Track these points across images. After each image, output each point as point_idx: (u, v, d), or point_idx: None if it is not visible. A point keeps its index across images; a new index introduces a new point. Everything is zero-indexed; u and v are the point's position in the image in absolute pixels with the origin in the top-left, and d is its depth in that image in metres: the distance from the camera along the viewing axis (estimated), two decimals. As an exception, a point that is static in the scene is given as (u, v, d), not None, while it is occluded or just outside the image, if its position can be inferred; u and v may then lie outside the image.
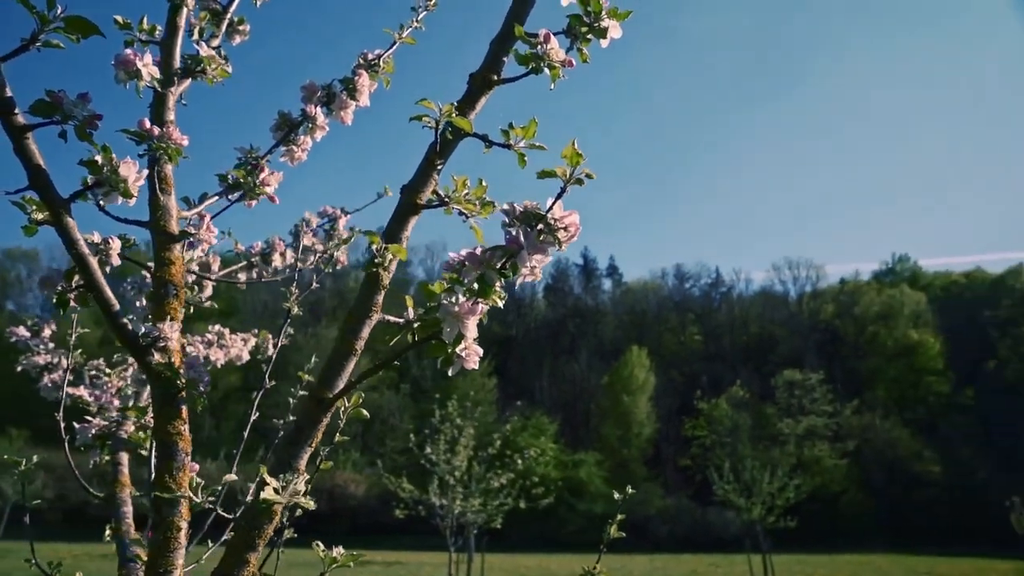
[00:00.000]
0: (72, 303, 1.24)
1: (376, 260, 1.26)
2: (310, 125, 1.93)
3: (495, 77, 1.45)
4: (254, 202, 1.80)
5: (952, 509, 36.98)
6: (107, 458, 1.95)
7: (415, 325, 1.23)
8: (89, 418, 1.94)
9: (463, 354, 1.19)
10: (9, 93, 1.06)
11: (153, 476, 1.30)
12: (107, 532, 1.71)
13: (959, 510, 36.61)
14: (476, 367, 1.20)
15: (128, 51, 1.41)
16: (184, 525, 1.32)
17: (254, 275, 2.16)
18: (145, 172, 1.21)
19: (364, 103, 2.04)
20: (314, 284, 1.93)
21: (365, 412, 1.41)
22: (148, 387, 2.09)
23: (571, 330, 57.73)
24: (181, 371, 1.31)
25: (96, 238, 1.35)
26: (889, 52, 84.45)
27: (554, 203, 1.18)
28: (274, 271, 2.22)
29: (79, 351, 2.17)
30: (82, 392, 2.12)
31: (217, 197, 1.74)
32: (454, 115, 1.32)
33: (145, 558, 1.51)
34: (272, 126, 1.95)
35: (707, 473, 29.25)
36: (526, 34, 1.38)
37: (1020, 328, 48.49)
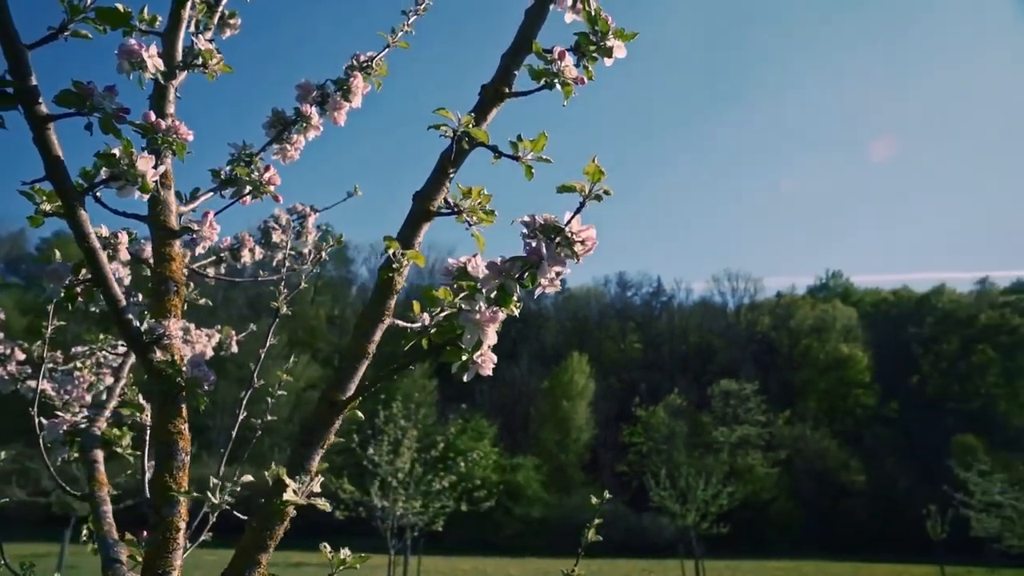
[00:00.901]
0: (79, 298, 1.21)
1: (394, 265, 1.27)
2: (304, 124, 1.92)
3: (507, 89, 1.47)
4: (247, 199, 1.79)
5: (876, 517, 38.39)
6: (75, 455, 1.90)
7: (431, 330, 1.24)
8: (60, 414, 1.89)
9: (479, 360, 1.21)
10: (35, 82, 1.03)
11: (151, 475, 1.28)
12: (84, 532, 1.67)
13: (882, 518, 38.03)
14: (491, 374, 1.22)
15: (132, 41, 1.38)
16: (183, 525, 1.30)
17: (223, 270, 2.13)
18: (161, 168, 1.19)
19: (357, 105, 2.05)
20: (303, 284, 1.92)
21: (360, 414, 1.41)
22: (122, 382, 2.04)
23: (513, 334, 57.88)
24: (184, 369, 1.30)
25: (104, 232, 1.32)
26: (827, 71, 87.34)
27: (573, 217, 1.21)
28: (243, 267, 2.20)
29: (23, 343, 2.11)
30: (45, 386, 2.05)
31: (211, 193, 1.72)
32: (471, 126, 1.34)
33: (126, 558, 1.49)
34: (265, 123, 1.93)
35: (644, 479, 29.68)
36: (543, 50, 1.41)
37: (941, 345, 50.67)
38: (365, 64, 2.08)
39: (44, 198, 1.18)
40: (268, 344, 1.78)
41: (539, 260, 1.18)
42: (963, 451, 35.59)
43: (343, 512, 14.20)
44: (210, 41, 1.85)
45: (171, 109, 1.56)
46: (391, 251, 1.27)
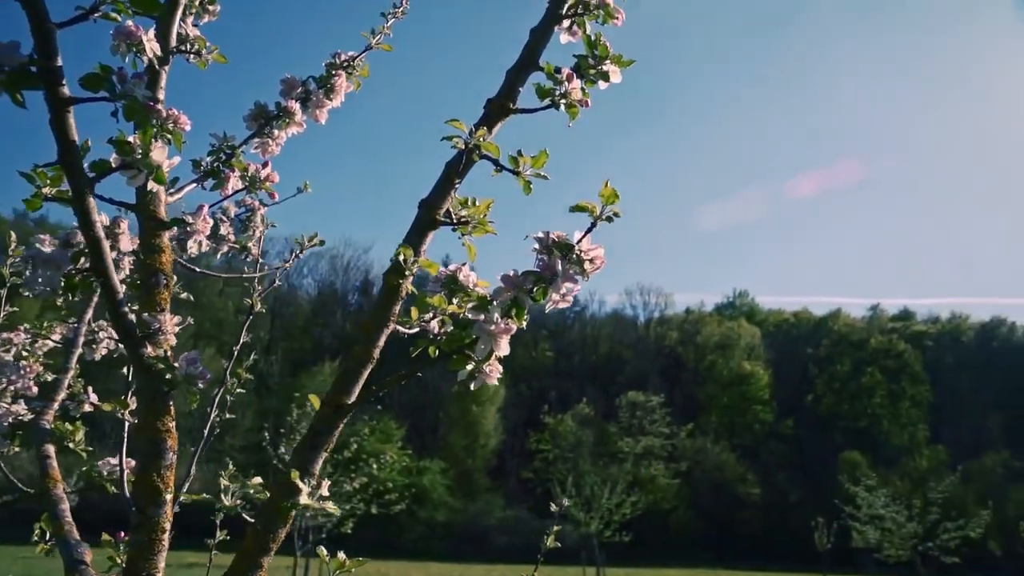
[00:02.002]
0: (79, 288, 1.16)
1: (406, 272, 1.27)
2: (287, 120, 1.89)
3: (511, 105, 1.50)
4: (227, 190, 1.75)
5: (768, 528, 40.11)
6: (16, 450, 1.81)
7: (441, 338, 1.25)
8: (3, 404, 1.79)
9: (487, 369, 1.23)
10: (60, 63, 0.99)
11: (136, 474, 1.24)
12: (35, 532, 1.59)
13: (774, 529, 39.76)
14: (497, 383, 1.25)
15: (130, 23, 1.34)
16: (168, 526, 1.27)
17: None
18: (176, 160, 1.16)
19: (338, 104, 2.03)
20: (277, 282, 1.88)
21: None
22: (70, 373, 1.95)
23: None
24: (176, 365, 1.26)
25: (105, 220, 1.27)
26: (739, 91, 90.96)
27: (584, 236, 1.25)
28: (188, 259, 2.14)
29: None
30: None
31: (194, 184, 1.68)
32: (483, 140, 1.36)
33: (89, 559, 1.43)
34: (246, 116, 1.89)
35: (549, 487, 30.03)
36: (555, 69, 1.45)
37: (835, 366, 53.44)
38: (346, 63, 2.06)
39: (47, 181, 1.13)
40: (242, 342, 1.74)
41: (552, 276, 1.21)
42: (849, 467, 37.60)
43: (251, 513, 13.71)
44: (195, 27, 1.81)
45: (162, 95, 1.52)
46: (402, 258, 1.28)
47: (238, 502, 1.20)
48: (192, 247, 2.18)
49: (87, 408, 1.94)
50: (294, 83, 1.92)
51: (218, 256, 2.19)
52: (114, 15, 1.03)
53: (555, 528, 2.01)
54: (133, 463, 1.40)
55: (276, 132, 1.89)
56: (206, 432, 1.57)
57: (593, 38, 1.56)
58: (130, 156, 1.13)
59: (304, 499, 1.04)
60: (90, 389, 1.96)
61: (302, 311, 50.08)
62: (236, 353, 1.71)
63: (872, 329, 57.73)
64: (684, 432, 46.29)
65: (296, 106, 1.89)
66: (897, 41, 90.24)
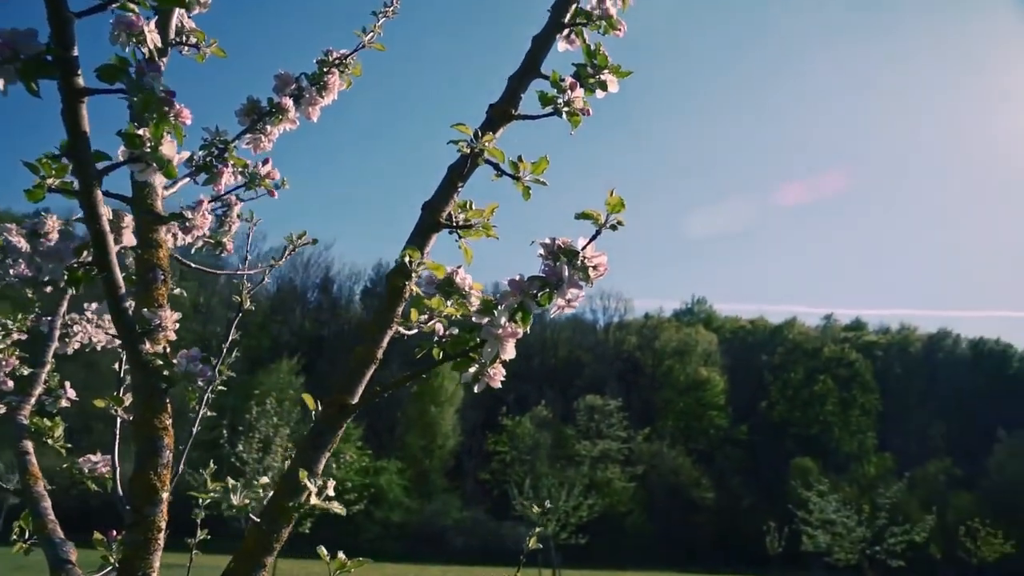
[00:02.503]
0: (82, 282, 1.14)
1: (411, 274, 1.27)
2: (280, 116, 1.87)
3: (513, 111, 1.51)
4: (222, 187, 1.73)
5: (721, 532, 40.73)
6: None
7: (446, 341, 1.26)
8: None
9: (491, 372, 1.24)
10: (76, 53, 0.98)
11: (133, 472, 1.22)
12: (15, 530, 1.56)
13: (727, 533, 40.40)
14: (500, 386, 1.26)
15: (131, 14, 1.32)
16: (163, 525, 1.25)
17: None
18: (185, 154, 1.15)
19: (330, 101, 2.02)
20: (265, 280, 1.86)
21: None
22: (47, 368, 1.91)
23: (386, 336, 57.11)
24: (175, 362, 1.25)
25: (108, 213, 1.25)
26: (696, 102, 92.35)
27: (588, 243, 1.26)
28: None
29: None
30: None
31: (187, 179, 1.65)
32: (489, 145, 1.37)
33: (74, 558, 1.41)
34: (238, 110, 1.87)
35: (506, 488, 30.08)
36: (559, 79, 1.47)
37: (789, 374, 54.48)
38: (339, 61, 2.05)
39: (52, 172, 1.11)
40: (231, 339, 1.72)
41: (559, 281, 1.22)
42: (801, 473, 38.41)
43: (206, 511, 13.46)
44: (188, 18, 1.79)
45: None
46: (408, 260, 1.28)
47: (247, 502, 1.19)
48: (188, 241, 2.16)
49: (64, 403, 1.90)
50: (288, 79, 1.90)
51: (192, 251, 2.17)
52: (132, 5, 1.01)
53: (536, 530, 2.02)
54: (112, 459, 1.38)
55: (268, 128, 1.87)
56: (194, 430, 1.55)
57: (593, 48, 1.58)
58: (139, 150, 1.11)
59: (313, 499, 1.03)
60: (67, 384, 1.93)
61: (260, 307, 49.31)
62: (225, 350, 1.69)
63: (825, 338, 59.02)
64: (641, 436, 46.73)
65: (290, 103, 1.88)
66: (853, 65, 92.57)
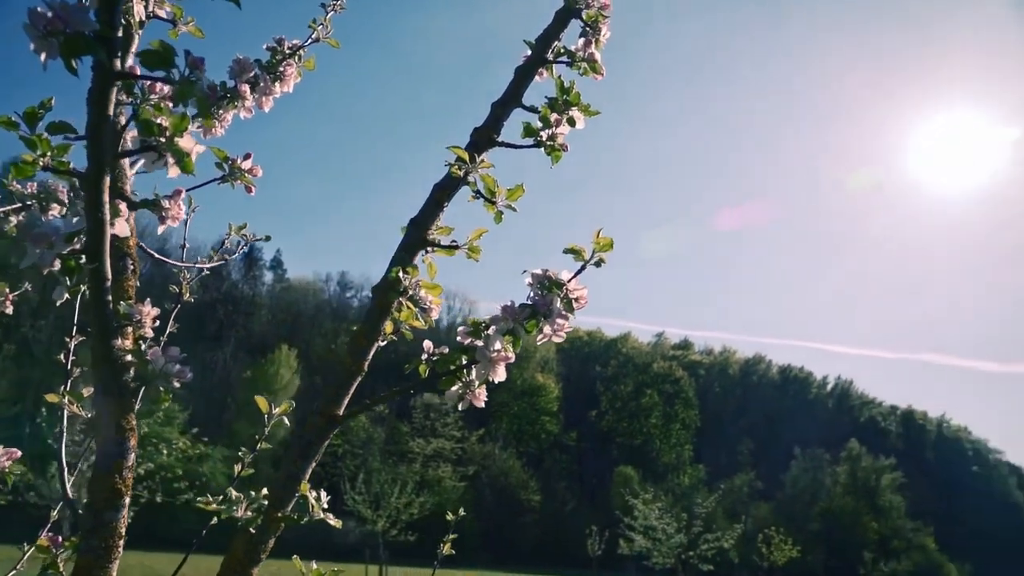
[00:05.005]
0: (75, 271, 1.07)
1: (400, 289, 1.29)
2: (235, 103, 1.81)
3: (495, 136, 1.56)
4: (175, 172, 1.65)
5: (546, 534, 42.10)
6: None
7: (435, 359, 1.28)
8: None
9: (476, 392, 1.28)
10: (120, 34, 0.93)
11: (96, 474, 1.15)
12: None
13: (552, 534, 41.81)
14: (483, 406, 1.30)
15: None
16: (123, 532, 1.19)
17: (22, 219, 1.91)
18: (202, 148, 1.12)
19: (285, 91, 1.97)
20: (205, 270, 1.78)
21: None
22: None
23: (220, 316, 54.36)
24: (150, 360, 1.19)
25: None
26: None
27: (573, 277, 1.34)
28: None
29: None
30: None
31: (141, 163, 1.56)
32: (483, 171, 1.41)
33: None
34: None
35: (337, 482, 29.50)
36: (528, 107, 1.54)
37: (619, 386, 57.32)
38: (293, 51, 2.00)
39: (51, 150, 1.04)
40: (168, 332, 1.63)
41: (548, 311, 1.29)
42: (623, 480, 40.52)
43: (3, 497, 12.19)
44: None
45: (131, 61, 1.41)
46: (399, 276, 1.30)
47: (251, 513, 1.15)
48: (55, 209, 2.01)
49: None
50: (248, 65, 1.82)
51: (74, 220, 2.03)
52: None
53: (451, 536, 2.07)
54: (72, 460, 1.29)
55: (221, 113, 1.80)
56: (64, 425, 1.46)
57: (568, 84, 1.65)
58: (155, 139, 1.07)
59: (318, 513, 1.03)
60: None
61: (82, 274, 45.16)
62: (163, 340, 1.60)
63: (656, 354, 62.61)
64: (474, 437, 47.39)
65: (247, 89, 1.81)
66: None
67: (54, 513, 1.64)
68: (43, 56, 0.89)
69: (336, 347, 58.89)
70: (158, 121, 1.06)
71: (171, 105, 1.26)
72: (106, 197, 1.05)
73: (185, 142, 1.07)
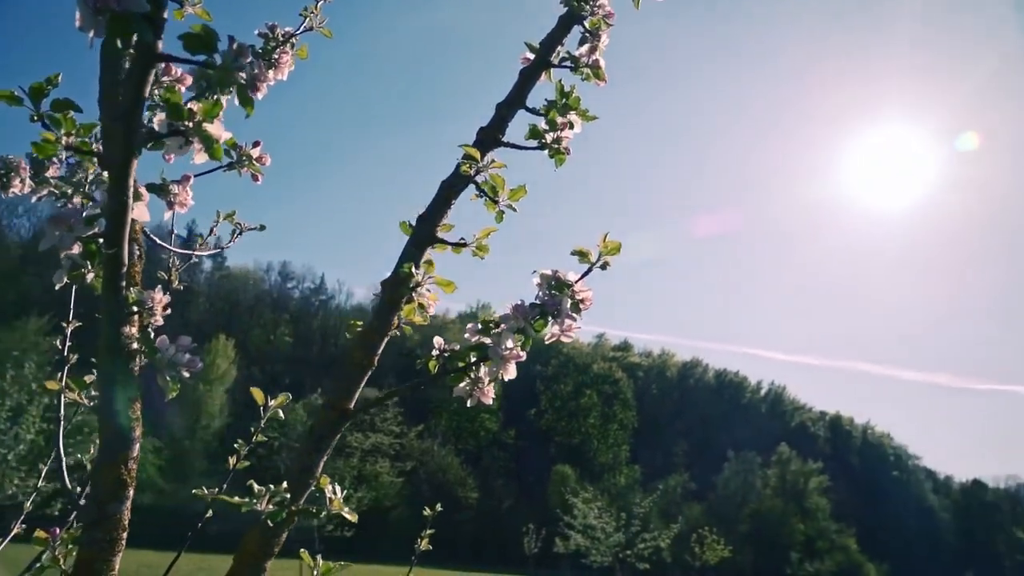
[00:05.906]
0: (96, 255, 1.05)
1: (411, 285, 1.30)
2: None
3: (500, 136, 1.57)
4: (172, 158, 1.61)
5: (482, 530, 42.14)
6: None
7: (446, 355, 1.29)
8: None
9: (485, 389, 1.30)
10: (165, 15, 0.92)
11: (101, 465, 1.13)
12: None
13: (488, 531, 41.89)
14: (491, 403, 1.32)
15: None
16: (127, 524, 1.17)
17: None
18: (228, 134, 1.11)
19: (278, 79, 1.95)
20: (194, 258, 1.75)
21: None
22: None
23: (155, 303, 52.76)
24: (159, 348, 1.17)
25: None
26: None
27: (579, 279, 1.36)
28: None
29: None
30: None
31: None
32: (493, 171, 1.43)
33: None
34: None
35: (274, 475, 28.97)
36: (531, 109, 1.56)
37: (559, 385, 57.79)
38: (286, 38, 1.98)
39: (75, 128, 1.02)
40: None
41: (557, 311, 1.31)
42: (561, 479, 40.88)
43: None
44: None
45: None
46: (411, 271, 1.30)
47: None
48: (16, 186, 1.95)
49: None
50: (245, 51, 1.80)
51: (33, 199, 1.98)
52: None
53: (428, 531, 2.07)
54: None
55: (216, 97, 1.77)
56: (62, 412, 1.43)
57: (568, 88, 1.68)
58: (182, 123, 1.05)
59: (336, 506, 1.03)
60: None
61: (9, 255, 43.31)
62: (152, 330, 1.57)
63: (596, 355, 63.31)
64: (413, 433, 47.13)
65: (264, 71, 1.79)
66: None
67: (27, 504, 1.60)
68: (91, 34, 0.87)
69: (275, 338, 57.83)
70: (188, 105, 1.04)
71: (182, 89, 1.25)
72: (131, 180, 1.03)
73: (215, 128, 1.06)
